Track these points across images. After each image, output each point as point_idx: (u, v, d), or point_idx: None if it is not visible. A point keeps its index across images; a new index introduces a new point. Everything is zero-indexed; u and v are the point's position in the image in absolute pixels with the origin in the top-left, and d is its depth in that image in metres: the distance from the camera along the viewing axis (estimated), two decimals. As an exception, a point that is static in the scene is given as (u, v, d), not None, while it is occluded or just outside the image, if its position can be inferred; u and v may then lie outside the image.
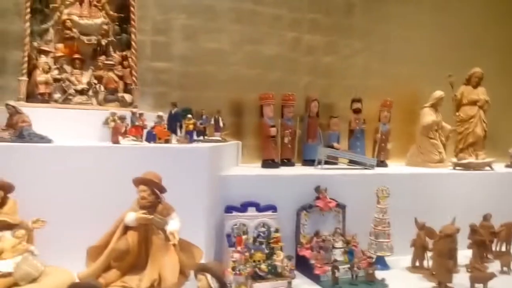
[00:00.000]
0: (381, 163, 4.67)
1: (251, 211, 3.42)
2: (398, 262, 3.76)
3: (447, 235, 3.13)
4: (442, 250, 3.17)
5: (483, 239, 3.79)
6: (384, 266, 3.71)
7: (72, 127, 3.23)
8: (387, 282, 3.28)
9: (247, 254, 2.76)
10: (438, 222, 3.80)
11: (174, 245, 2.35)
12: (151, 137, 3.11)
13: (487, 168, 4.66)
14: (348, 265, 3.24)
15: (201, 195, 2.87)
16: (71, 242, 2.40)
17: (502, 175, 4.68)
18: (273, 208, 3.49)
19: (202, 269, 1.88)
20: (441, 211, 3.96)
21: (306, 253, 3.35)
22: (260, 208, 3.45)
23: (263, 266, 3.14)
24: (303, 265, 3.42)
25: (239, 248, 2.73)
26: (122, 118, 3.07)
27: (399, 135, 5.22)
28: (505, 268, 3.66)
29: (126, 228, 2.30)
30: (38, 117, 3.16)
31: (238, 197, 3.45)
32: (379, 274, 3.52)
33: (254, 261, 3.17)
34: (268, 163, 4.09)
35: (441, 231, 3.21)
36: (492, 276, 3.21)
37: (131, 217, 2.28)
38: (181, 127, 3.28)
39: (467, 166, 4.58)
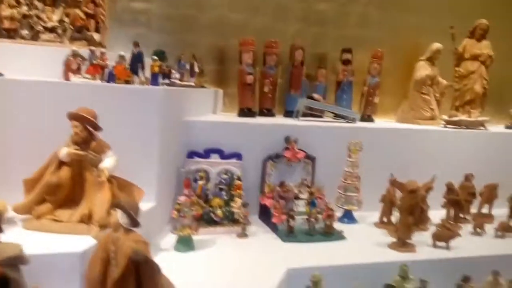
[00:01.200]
0: (368, 118, 4.50)
1: (214, 158, 3.38)
2: (368, 218, 3.70)
3: (410, 191, 3.02)
4: (404, 206, 3.06)
5: (458, 199, 3.66)
6: (352, 220, 3.66)
7: (38, 65, 3.20)
8: (349, 236, 3.24)
9: (193, 197, 2.74)
10: (420, 180, 3.69)
11: (109, 182, 2.34)
12: (111, 77, 3.06)
13: (481, 127, 4.41)
14: (306, 216, 3.20)
15: (153, 138, 2.83)
16: (14, 174, 2.44)
17: (496, 135, 4.43)
18: (238, 156, 3.45)
19: (113, 205, 1.87)
20: (424, 169, 3.81)
21: (267, 202, 3.33)
22: (224, 155, 3.41)
23: (219, 212, 3.15)
24: (265, 214, 3.42)
25: (186, 191, 2.71)
26: (81, 57, 3.02)
27: (395, 91, 4.99)
28: (478, 230, 3.54)
29: (61, 163, 2.31)
30: (2, 52, 3.17)
31: (203, 144, 3.41)
32: (345, 227, 3.49)
33: (211, 207, 3.19)
34: (244, 112, 4.00)
35: (405, 187, 3.09)
36: (454, 235, 3.11)
37: (64, 152, 2.28)
38: (143, 68, 3.20)
39: (458, 124, 4.35)
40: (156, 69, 3.28)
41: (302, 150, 3.57)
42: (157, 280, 1.93)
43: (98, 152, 2.33)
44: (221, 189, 3.30)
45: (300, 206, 3.42)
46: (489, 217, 3.91)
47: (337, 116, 4.30)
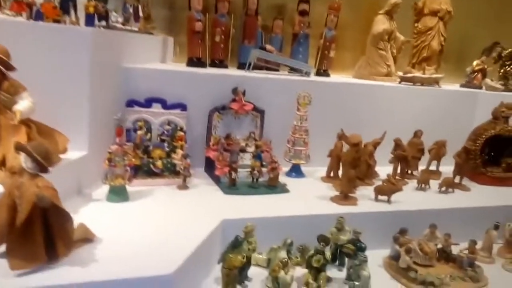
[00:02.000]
0: (324, 73, 4.38)
1: (156, 108, 3.22)
2: (317, 172, 3.67)
3: (353, 144, 2.97)
4: (347, 159, 3.02)
5: (404, 155, 3.66)
6: (299, 174, 3.62)
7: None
8: (293, 189, 3.20)
9: (126, 146, 2.60)
10: (372, 136, 3.67)
11: (27, 126, 2.17)
12: (38, 16, 2.80)
13: (435, 84, 4.38)
14: (249, 169, 3.12)
15: (83, 83, 2.63)
16: None
17: (449, 93, 4.43)
18: (182, 106, 3.29)
19: (16, 147, 1.71)
20: (377, 125, 3.79)
21: (211, 154, 3.22)
22: (167, 105, 3.24)
23: (159, 163, 3.03)
24: (210, 167, 3.32)
25: (117, 140, 2.56)
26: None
27: (354, 46, 4.88)
28: (422, 185, 3.57)
29: (-30, 105, 2.11)
30: None
31: (145, 93, 3.23)
32: (292, 181, 3.45)
33: (152, 158, 3.07)
34: (193, 62, 3.80)
35: (348, 140, 3.04)
36: (395, 189, 3.12)
37: (-30, 92, 2.08)
38: (75, 7, 2.94)
39: (412, 81, 4.31)
40: (91, 10, 3.03)
41: (250, 102, 3.44)
42: (68, 228, 1.82)
43: (11, 93, 2.14)
44: (163, 140, 3.17)
45: (247, 159, 3.34)
46: (436, 174, 3.96)
47: (292, 70, 4.16)
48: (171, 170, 3.08)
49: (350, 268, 2.32)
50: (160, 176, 3.03)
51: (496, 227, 2.97)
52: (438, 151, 3.92)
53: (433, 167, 4.00)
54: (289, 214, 2.75)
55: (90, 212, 2.45)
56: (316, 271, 2.41)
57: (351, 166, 2.99)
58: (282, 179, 3.44)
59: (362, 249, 2.45)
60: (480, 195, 3.61)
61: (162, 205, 2.68)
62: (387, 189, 3.12)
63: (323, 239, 2.43)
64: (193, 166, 3.38)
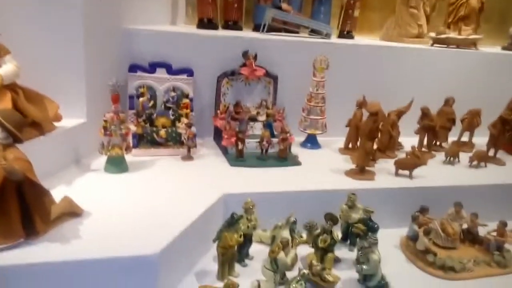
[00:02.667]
0: (347, 35, 4.02)
1: (161, 73, 3.03)
2: (334, 144, 3.42)
3: (371, 113, 2.69)
4: (363, 130, 2.76)
5: (431, 124, 3.33)
6: (315, 145, 3.38)
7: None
8: (306, 162, 2.98)
9: (122, 114, 2.44)
10: (399, 104, 3.37)
11: (14, 92, 2.04)
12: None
13: (472, 47, 3.95)
14: (257, 139, 2.91)
15: (78, 46, 2.46)
16: None
17: (488, 57, 3.98)
18: (188, 71, 3.09)
19: (-16, 115, 1.58)
20: (405, 92, 3.48)
21: (218, 123, 3.03)
22: (172, 71, 3.05)
23: (162, 132, 2.88)
24: (218, 137, 3.14)
25: (113, 107, 2.41)
26: None
27: (382, 6, 4.44)
28: (451, 159, 3.26)
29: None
30: None
31: (149, 57, 3.05)
32: (306, 153, 3.24)
33: (156, 127, 2.92)
34: (203, 23, 3.54)
35: (366, 108, 2.76)
36: (418, 163, 2.84)
37: (-50, 55, 1.96)
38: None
39: (445, 43, 3.90)
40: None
41: (262, 67, 3.19)
42: (45, 203, 1.69)
43: (-7, 56, 2.00)
44: (168, 108, 3.00)
45: (257, 129, 3.14)
46: (469, 146, 3.62)
47: (313, 32, 3.83)
48: (176, 140, 2.92)
49: (360, 250, 2.11)
50: (164, 146, 2.88)
51: (533, 207, 2.66)
52: (471, 121, 3.56)
53: (465, 139, 3.67)
54: (298, 189, 2.55)
55: (85, 184, 2.34)
56: (323, 252, 2.23)
57: (369, 137, 2.72)
58: (296, 150, 3.24)
59: (374, 230, 2.24)
60: (518, 170, 3.27)
61: (162, 177, 2.54)
62: (409, 163, 2.84)
63: (330, 218, 2.23)
64: (202, 135, 3.24)
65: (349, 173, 2.80)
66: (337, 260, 2.28)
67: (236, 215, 2.00)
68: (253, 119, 3.18)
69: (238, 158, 2.85)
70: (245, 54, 3.16)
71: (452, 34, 3.84)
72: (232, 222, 1.99)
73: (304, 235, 2.31)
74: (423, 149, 3.39)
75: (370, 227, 2.24)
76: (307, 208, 2.42)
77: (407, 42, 4.04)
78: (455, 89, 3.76)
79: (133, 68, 2.96)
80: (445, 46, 3.91)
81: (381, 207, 2.67)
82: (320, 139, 3.43)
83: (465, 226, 2.61)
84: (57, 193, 1.97)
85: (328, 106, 3.35)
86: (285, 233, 2.17)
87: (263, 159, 2.89)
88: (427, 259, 2.31)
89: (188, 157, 2.83)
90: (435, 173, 2.99)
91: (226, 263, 2.03)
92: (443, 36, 3.82)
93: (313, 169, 2.89)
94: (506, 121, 3.31)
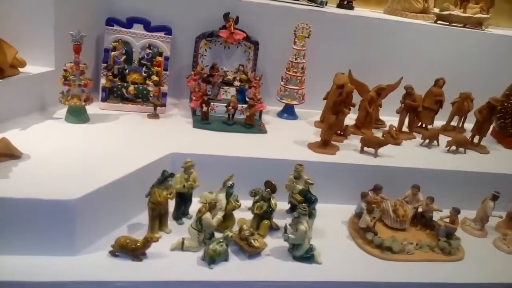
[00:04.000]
0: (346, 5, 3.86)
1: (138, 29, 3.03)
2: (313, 116, 3.36)
3: (337, 86, 2.61)
4: (328, 103, 2.69)
5: (414, 105, 3.20)
6: (291, 115, 3.34)
7: None
8: (274, 131, 2.96)
9: (83, 65, 2.48)
10: (390, 82, 3.25)
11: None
12: None
13: (478, 27, 3.71)
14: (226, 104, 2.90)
15: None
16: None
17: (494, 38, 3.73)
18: (167, 30, 3.07)
19: None
20: (400, 69, 3.36)
21: (190, 84, 3.03)
22: (150, 28, 3.04)
23: (131, 88, 2.92)
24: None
25: (74, 58, 2.45)
26: None
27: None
28: (428, 142, 3.13)
29: None
30: None
31: (127, 11, 3.04)
32: (281, 122, 3.22)
33: (127, 82, 2.96)
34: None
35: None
36: (382, 142, 2.77)
37: None
38: None
39: (448, 20, 3.67)
40: None
41: (242, 31, 3.13)
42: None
43: None
44: (143, 65, 3.02)
45: (232, 93, 3.12)
46: (457, 131, 3.46)
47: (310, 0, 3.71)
48: (146, 97, 2.96)
49: (292, 220, 2.11)
50: (132, 102, 2.93)
51: (495, 198, 2.54)
52: (461, 105, 3.39)
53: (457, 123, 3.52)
54: (251, 155, 2.54)
55: (40, 130, 2.42)
56: (260, 218, 2.25)
57: (333, 110, 2.66)
58: (272, 119, 3.23)
59: (311, 202, 2.22)
60: (498, 161, 3.10)
61: (119, 131, 2.59)
62: (374, 141, 2.77)
63: (269, 185, 2.23)
64: (178, 96, 3.28)
65: (311, 146, 2.76)
66: (276, 228, 2.30)
67: (167, 172, 2.04)
68: (229, 83, 3.16)
69: (202, 121, 2.86)
70: (226, 16, 3.11)
71: (456, 11, 3.59)
72: (162, 180, 2.02)
73: (238, 201, 2.30)
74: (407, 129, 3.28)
75: (308, 199, 2.22)
76: (259, 176, 2.40)
77: (410, 17, 3.85)
78: (455, 70, 3.59)
79: (110, 22, 2.97)
80: (448, 23, 3.69)
81: (336, 182, 2.66)
82: (299, 110, 3.38)
83: (421, 209, 2.55)
84: (8, 135, 2.07)
85: (312, 78, 3.28)
86: (222, 196, 2.19)
87: (228, 124, 2.89)
88: (367, 237, 2.28)
89: (154, 115, 2.87)
90: (404, 154, 2.90)
91: (156, 218, 2.08)
92: (445, 12, 3.59)
93: (277, 139, 2.86)
94: (494, 107, 3.12)
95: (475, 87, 3.57)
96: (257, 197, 2.25)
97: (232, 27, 3.08)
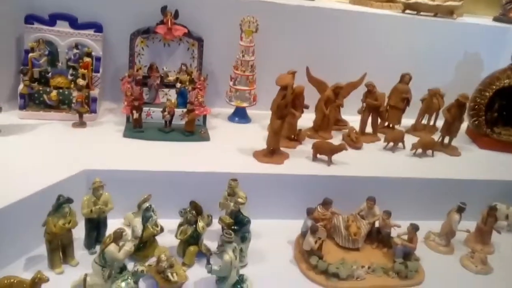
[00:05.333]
0: (307, -5, 3.53)
1: (63, 26, 2.70)
2: (267, 118, 3.01)
3: (281, 88, 2.29)
4: (272, 107, 2.37)
5: (376, 104, 2.89)
6: (243, 119, 3.03)
7: None
8: (218, 137, 2.65)
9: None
10: (351, 79, 2.95)
11: None
12: None
13: (450, 15, 3.40)
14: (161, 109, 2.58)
15: None
16: None
17: (467, 27, 3.44)
18: (96, 26, 2.74)
19: None
20: (364, 65, 3.05)
21: (123, 87, 2.70)
22: (76, 24, 2.71)
23: (53, 93, 2.58)
24: (129, 102, 2.82)
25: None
26: None
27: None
28: (397, 145, 2.82)
29: None
30: None
31: (50, 7, 2.69)
32: (231, 127, 2.90)
33: (50, 87, 2.62)
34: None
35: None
36: (335, 148, 2.45)
37: None
38: None
39: (416, 9, 3.37)
40: None
41: (183, 26, 2.80)
42: None
43: None
44: (70, 67, 2.69)
45: (172, 95, 2.80)
46: (428, 129, 3.16)
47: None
48: (70, 103, 2.62)
49: (217, 247, 1.80)
50: (56, 109, 2.59)
51: (461, 210, 2.24)
52: (430, 103, 3.09)
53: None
54: (183, 170, 2.22)
55: None
56: (185, 245, 1.93)
57: (277, 115, 2.34)
58: (222, 123, 2.92)
59: (243, 224, 1.90)
60: (468, 164, 2.81)
61: (34, 144, 2.27)
62: (326, 148, 2.46)
63: (194, 207, 1.91)
64: (118, 100, 2.93)
65: (257, 154, 2.45)
66: (207, 253, 1.98)
67: (62, 197, 1.71)
68: (170, 85, 2.83)
69: (135, 129, 2.53)
70: (163, 10, 2.77)
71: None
72: (56, 207, 1.70)
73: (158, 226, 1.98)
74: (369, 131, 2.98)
75: (240, 221, 1.90)
76: (193, 193, 2.08)
77: (376, 7, 3.53)
78: (425, 64, 3.31)
79: (30, 19, 2.63)
80: (416, 13, 3.38)
81: (284, 195, 2.35)
82: (253, 112, 3.06)
83: (378, 224, 2.25)
84: None
85: (266, 77, 2.94)
86: (137, 221, 1.88)
87: (164, 132, 2.56)
88: (310, 261, 1.98)
89: (79, 123, 2.53)
90: (363, 161, 2.60)
91: (55, 251, 1.77)
92: (412, 1, 3.28)
93: (220, 146, 2.55)
94: (463, 105, 2.82)
95: (446, 82, 3.31)
96: (181, 221, 1.94)
97: (170, 22, 2.74)
